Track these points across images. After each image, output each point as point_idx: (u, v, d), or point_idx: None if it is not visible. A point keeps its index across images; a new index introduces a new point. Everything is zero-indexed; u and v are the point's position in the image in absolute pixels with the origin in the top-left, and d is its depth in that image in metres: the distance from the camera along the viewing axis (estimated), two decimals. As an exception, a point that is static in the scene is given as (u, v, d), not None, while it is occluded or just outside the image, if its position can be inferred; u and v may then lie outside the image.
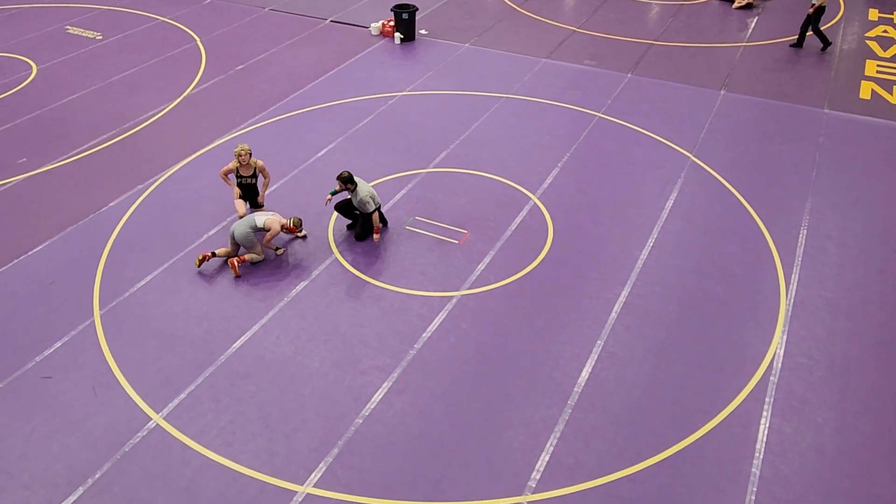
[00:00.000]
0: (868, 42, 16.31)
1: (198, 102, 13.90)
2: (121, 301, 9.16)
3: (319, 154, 12.19)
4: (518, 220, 10.55)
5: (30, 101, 13.96)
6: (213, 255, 9.55)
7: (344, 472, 7.09)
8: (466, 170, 11.71)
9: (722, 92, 14.15)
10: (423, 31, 16.89)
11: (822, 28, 15.95)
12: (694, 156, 12.08)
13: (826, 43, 15.66)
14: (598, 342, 8.52)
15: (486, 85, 14.42)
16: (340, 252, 9.97)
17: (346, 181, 9.59)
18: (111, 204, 10.99)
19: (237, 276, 9.48)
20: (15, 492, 6.91)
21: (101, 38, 16.75)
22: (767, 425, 7.53)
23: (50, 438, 7.43)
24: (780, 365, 8.24)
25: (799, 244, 10.08)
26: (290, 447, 7.32)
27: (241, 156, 9.71)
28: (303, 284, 9.40)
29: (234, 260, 9.45)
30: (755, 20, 17.52)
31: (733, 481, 6.99)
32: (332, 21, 17.68)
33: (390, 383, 8.02)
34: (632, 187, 11.27)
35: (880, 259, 9.81)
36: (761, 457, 7.21)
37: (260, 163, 9.97)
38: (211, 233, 10.34)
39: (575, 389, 7.93)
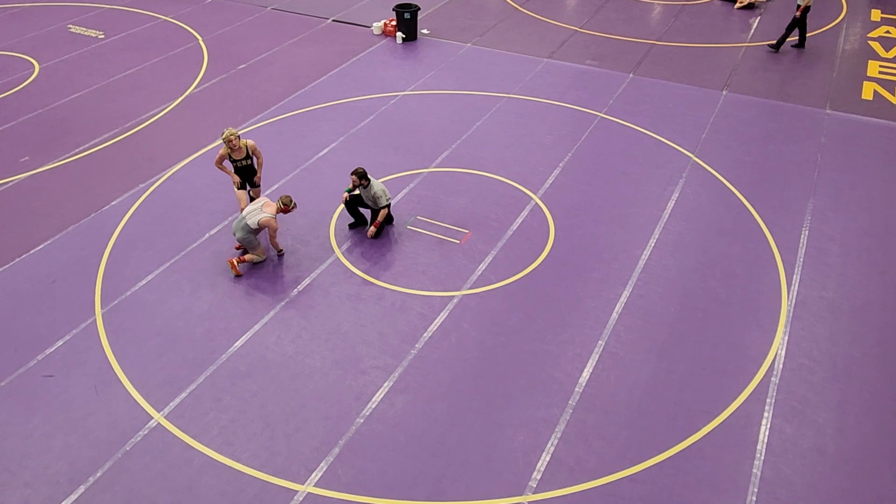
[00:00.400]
0: (870, 42, 16.30)
1: (199, 101, 13.91)
2: (122, 300, 9.17)
3: (321, 153, 12.20)
4: (519, 219, 10.55)
5: (32, 99, 13.98)
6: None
7: (345, 471, 7.09)
8: (468, 169, 11.71)
9: (724, 92, 14.14)
10: (424, 31, 16.90)
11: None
12: (696, 156, 12.08)
13: (801, 43, 15.76)
14: (600, 342, 8.52)
15: (487, 84, 14.42)
16: (342, 251, 9.97)
17: (362, 176, 9.67)
18: (113, 202, 11.00)
19: (238, 276, 9.49)
20: (17, 490, 6.92)
21: (103, 36, 16.76)
22: (769, 426, 7.53)
23: (51, 437, 7.44)
24: (781, 365, 8.24)
25: (800, 245, 10.08)
26: (291, 446, 7.33)
27: (231, 140, 9.66)
28: (304, 284, 9.41)
29: (234, 260, 9.46)
30: (757, 20, 17.51)
31: (734, 482, 6.98)
32: (333, 20, 17.68)
33: (391, 383, 8.02)
34: (633, 187, 11.26)
35: (882, 260, 9.81)
36: (762, 457, 7.21)
37: (251, 142, 9.98)
38: (213, 231, 10.35)
39: (576, 389, 7.93)
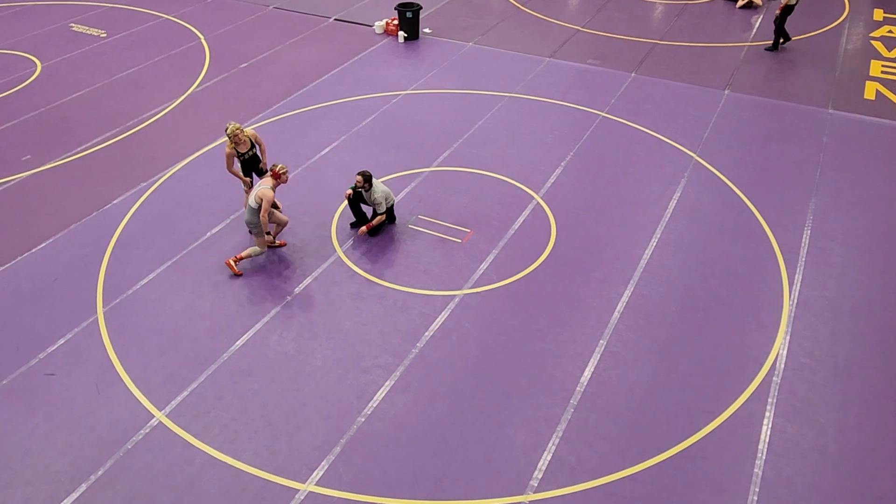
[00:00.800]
0: (873, 42, 16.27)
1: (201, 100, 13.91)
2: (124, 298, 9.18)
3: (323, 152, 12.20)
4: (521, 219, 10.55)
5: (34, 98, 13.99)
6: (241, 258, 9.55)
7: (346, 470, 7.10)
8: (469, 168, 11.71)
9: (726, 92, 14.13)
10: (426, 30, 16.89)
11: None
12: (697, 155, 12.07)
13: (775, 44, 15.76)
14: (601, 342, 8.51)
15: (489, 84, 14.42)
16: (343, 250, 9.97)
17: (367, 180, 9.70)
18: (115, 201, 11.01)
19: (237, 275, 9.48)
20: (18, 488, 6.93)
21: (105, 35, 16.77)
22: (770, 426, 7.53)
23: (53, 435, 7.45)
24: (782, 365, 8.23)
25: (802, 244, 10.06)
26: (293, 445, 7.34)
27: (236, 135, 9.63)
28: (306, 283, 9.41)
29: (231, 260, 9.43)
30: (759, 20, 17.49)
31: (736, 481, 6.98)
32: (335, 19, 17.68)
33: (392, 382, 8.03)
34: (635, 187, 11.25)
35: (884, 260, 9.79)
36: (763, 457, 7.21)
37: (251, 132, 9.98)
38: (214, 230, 10.35)
39: (577, 389, 7.93)
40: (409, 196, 11.05)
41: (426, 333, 8.64)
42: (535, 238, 10.17)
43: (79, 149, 12.37)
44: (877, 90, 14.15)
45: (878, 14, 17.85)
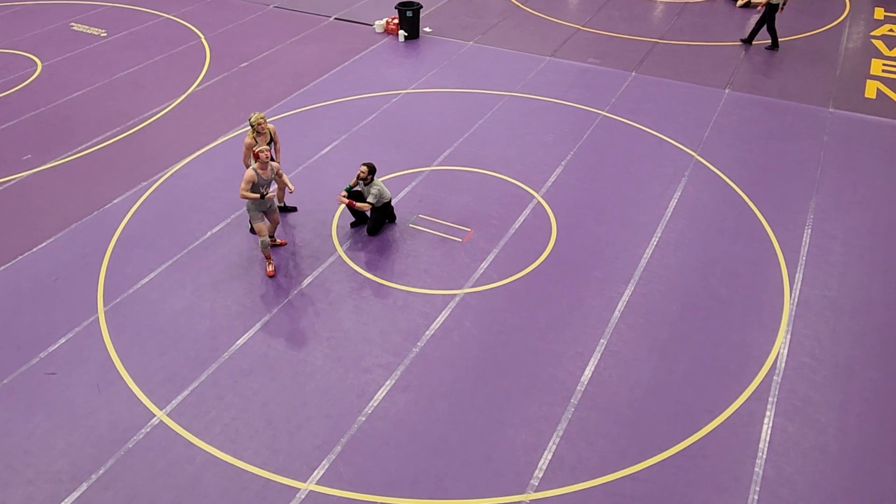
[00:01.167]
0: (874, 41, 16.27)
1: (202, 100, 13.91)
2: (125, 298, 9.18)
3: (323, 152, 12.20)
4: (521, 218, 10.55)
5: (34, 97, 13.99)
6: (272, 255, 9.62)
7: (346, 469, 7.10)
8: (470, 168, 11.71)
9: (726, 91, 14.12)
10: (427, 29, 16.89)
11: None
12: (698, 154, 12.06)
13: (749, 41, 15.80)
14: (602, 341, 8.51)
15: (489, 83, 14.41)
16: (344, 250, 9.98)
17: (371, 171, 9.68)
18: (115, 201, 11.01)
19: (280, 244, 9.73)
20: (19, 487, 6.94)
21: (105, 34, 16.77)
22: (770, 425, 7.53)
23: (54, 434, 7.46)
24: (783, 364, 8.23)
25: (803, 243, 10.06)
26: (293, 444, 7.34)
27: (260, 124, 9.60)
28: (306, 282, 9.41)
29: (269, 269, 9.48)
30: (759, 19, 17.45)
31: (736, 480, 6.98)
32: (336, 18, 17.68)
33: (393, 381, 8.03)
34: (635, 186, 11.25)
35: (884, 259, 9.79)
36: (764, 456, 7.21)
37: (272, 126, 9.98)
38: (215, 230, 10.36)
39: (578, 388, 7.93)
40: (409, 195, 11.05)
41: (427, 332, 8.64)
42: (535, 237, 10.17)
43: (79, 148, 12.37)
44: (877, 89, 14.14)
45: (879, 13, 17.84)
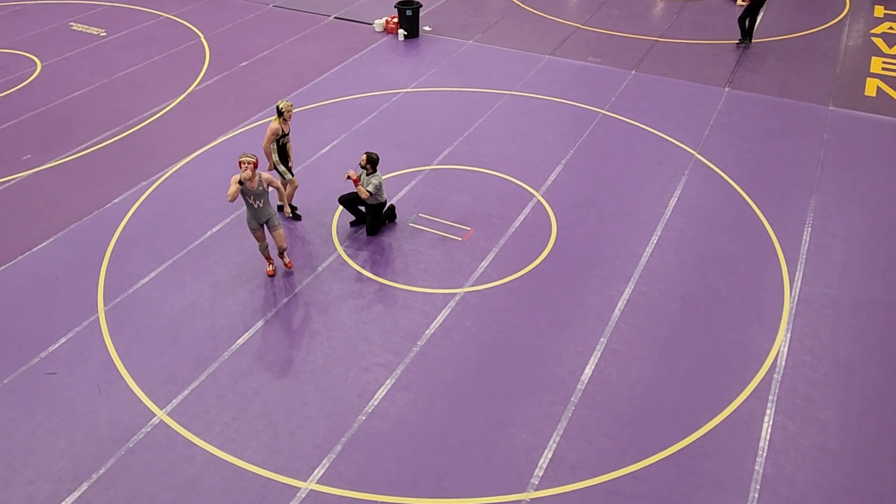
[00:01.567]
0: (874, 39, 16.25)
1: (201, 99, 13.91)
2: (125, 297, 9.18)
3: (323, 151, 12.20)
4: (521, 217, 10.54)
5: (34, 97, 13.99)
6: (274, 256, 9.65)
7: (347, 468, 7.10)
8: (470, 167, 11.71)
9: (726, 89, 14.11)
10: (426, 28, 16.88)
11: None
12: (698, 153, 12.06)
13: (744, 39, 15.78)
14: (602, 339, 8.52)
15: (489, 82, 14.40)
16: (344, 249, 9.98)
17: (373, 163, 9.63)
18: (115, 200, 11.01)
19: (289, 269, 9.58)
20: (20, 487, 6.94)
21: (105, 34, 16.77)
22: (771, 423, 7.53)
23: (54, 434, 7.46)
24: (783, 363, 8.23)
25: (803, 242, 10.06)
26: (294, 443, 7.34)
27: (289, 111, 9.64)
28: (306, 281, 9.41)
29: (269, 267, 9.51)
30: (759, 17, 17.45)
31: (736, 479, 6.98)
32: (335, 18, 17.67)
33: (393, 380, 8.03)
34: (635, 184, 11.25)
35: (885, 257, 9.79)
36: (764, 455, 7.21)
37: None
38: (215, 229, 10.36)
39: (578, 387, 7.93)
40: (409, 194, 11.05)
41: (427, 332, 8.65)
42: (535, 236, 10.17)
43: (79, 148, 12.37)
44: (877, 87, 14.13)
45: (879, 11, 17.83)
